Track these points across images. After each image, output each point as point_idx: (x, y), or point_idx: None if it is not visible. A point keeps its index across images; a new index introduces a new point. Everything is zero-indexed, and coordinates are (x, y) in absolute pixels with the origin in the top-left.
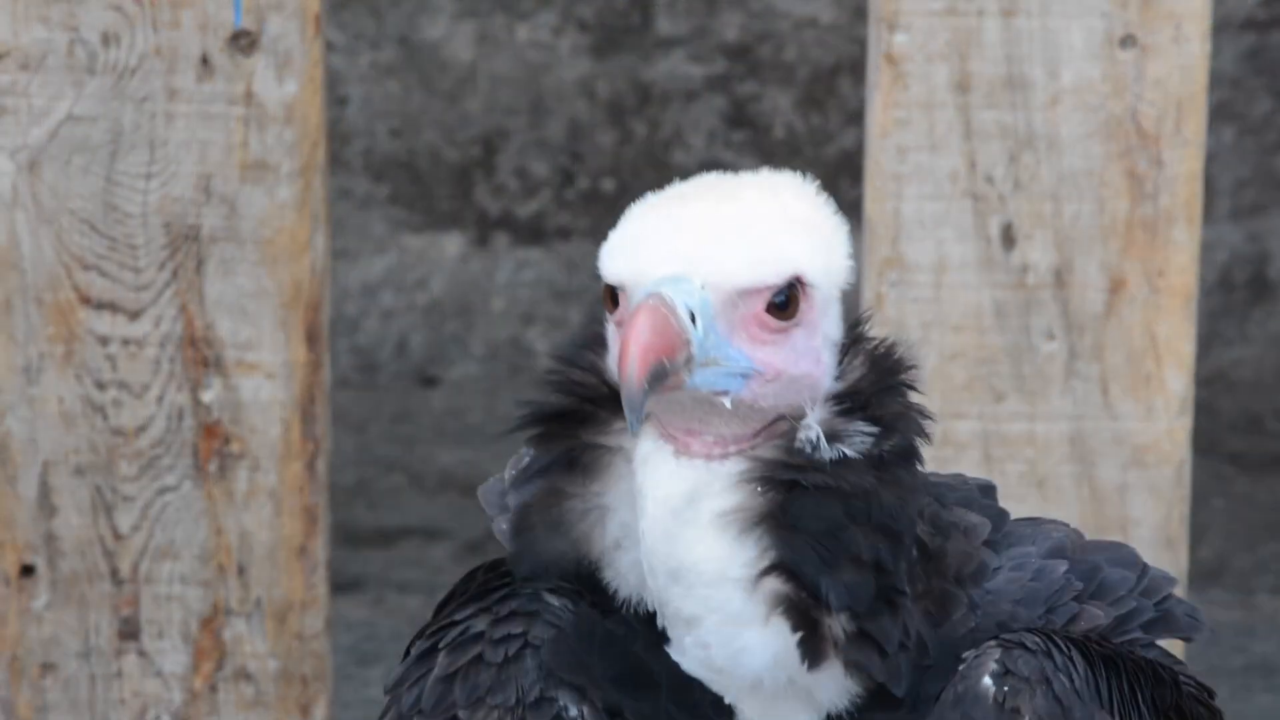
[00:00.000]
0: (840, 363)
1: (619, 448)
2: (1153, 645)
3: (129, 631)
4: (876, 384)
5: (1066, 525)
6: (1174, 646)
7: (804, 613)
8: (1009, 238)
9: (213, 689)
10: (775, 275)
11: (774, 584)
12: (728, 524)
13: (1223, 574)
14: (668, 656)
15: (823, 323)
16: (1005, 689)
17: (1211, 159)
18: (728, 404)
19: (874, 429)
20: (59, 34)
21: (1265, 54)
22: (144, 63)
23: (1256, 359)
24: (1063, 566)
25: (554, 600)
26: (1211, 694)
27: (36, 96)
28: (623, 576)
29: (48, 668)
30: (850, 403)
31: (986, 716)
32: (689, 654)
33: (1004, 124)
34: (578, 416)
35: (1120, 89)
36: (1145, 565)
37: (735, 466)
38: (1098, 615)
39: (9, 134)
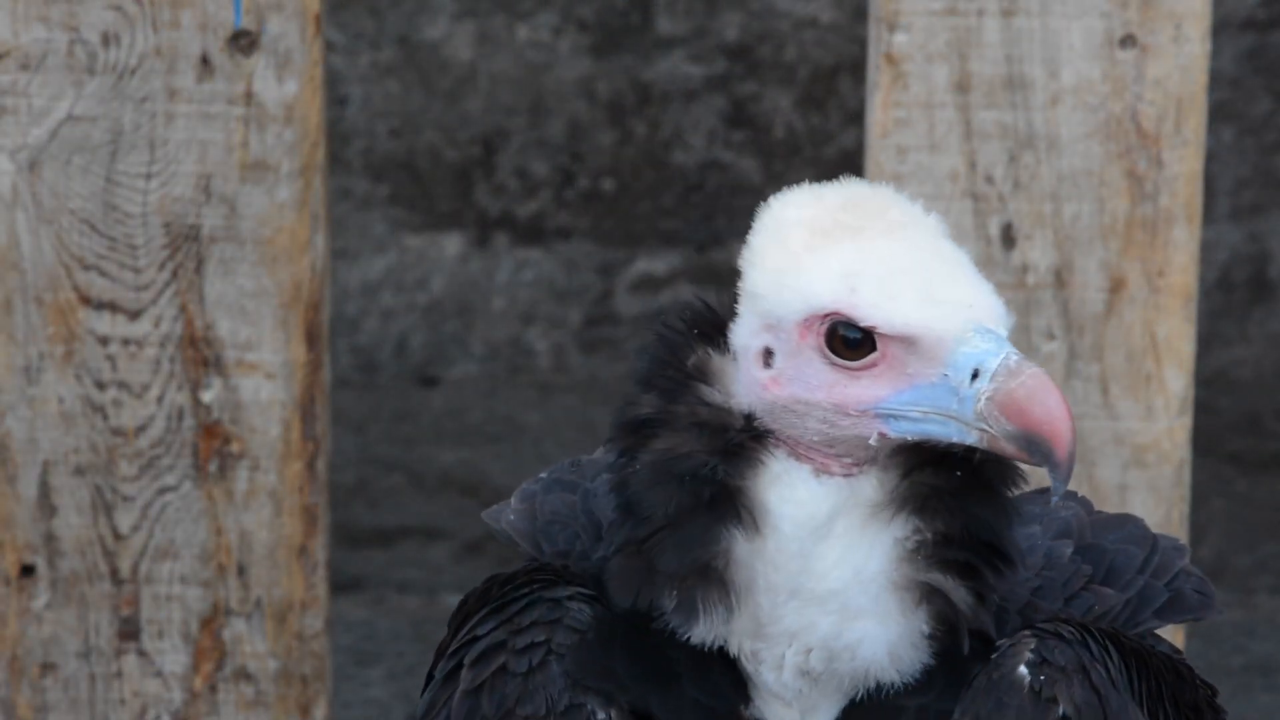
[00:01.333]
0: None
1: (749, 484)
2: (1163, 639)
3: (129, 631)
4: None
5: (1075, 497)
6: (1180, 633)
7: (942, 603)
8: (1009, 238)
9: (213, 689)
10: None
11: (940, 557)
12: (877, 517)
13: (1223, 574)
14: (682, 641)
15: None
16: (1041, 678)
17: (1211, 159)
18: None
19: None
20: (59, 34)
21: (1265, 54)
22: (144, 63)
23: (1256, 359)
24: (1069, 549)
25: (573, 605)
26: (1215, 692)
27: (36, 96)
28: (716, 617)
29: (48, 668)
30: None
31: (1021, 704)
32: (787, 666)
33: (1004, 124)
34: (723, 461)
35: (1120, 89)
36: (1155, 538)
37: (871, 475)
38: (1109, 595)
39: (9, 134)
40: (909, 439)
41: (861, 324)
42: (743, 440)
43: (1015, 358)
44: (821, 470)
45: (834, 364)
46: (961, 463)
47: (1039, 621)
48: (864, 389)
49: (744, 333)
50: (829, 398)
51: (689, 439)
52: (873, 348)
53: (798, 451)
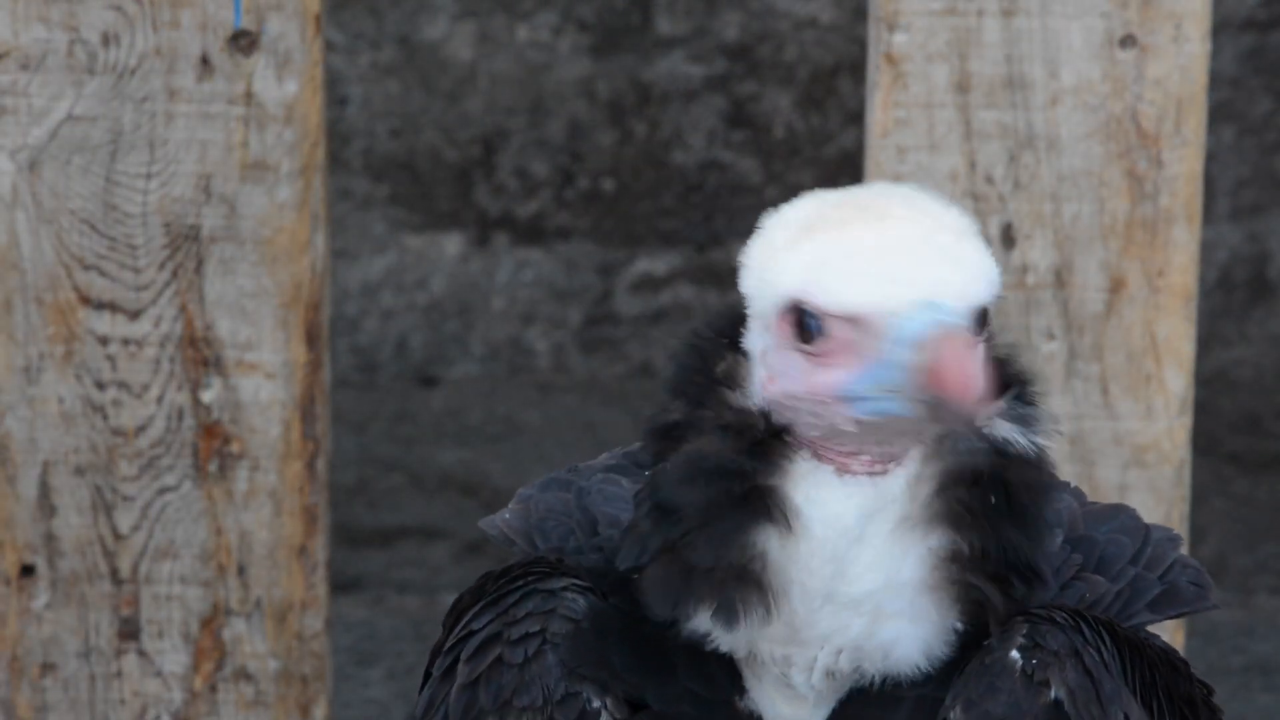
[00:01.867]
0: None
1: (777, 485)
2: (1159, 636)
3: (129, 631)
4: (1012, 372)
5: (1068, 489)
6: (1179, 633)
7: (977, 598)
8: (1009, 238)
9: (213, 689)
10: (990, 290)
11: (972, 574)
12: (910, 528)
13: (1223, 574)
14: (679, 633)
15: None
16: (1033, 662)
17: (1211, 159)
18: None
19: (1042, 413)
20: (59, 34)
21: (1265, 54)
22: (144, 63)
23: (1256, 359)
24: (1059, 537)
25: (568, 595)
26: (1211, 691)
27: (36, 96)
28: (754, 622)
29: (48, 668)
30: (1020, 396)
31: (1012, 687)
32: (817, 668)
33: (1004, 124)
34: (751, 461)
35: (1120, 89)
36: (1148, 529)
37: (902, 478)
38: (1100, 581)
39: (9, 134)
40: (874, 420)
41: (815, 308)
42: (766, 440)
43: (935, 326)
44: (843, 470)
45: (803, 352)
46: (995, 482)
47: (1032, 608)
48: (830, 374)
49: (753, 335)
50: (805, 387)
51: (715, 440)
52: (830, 332)
53: (819, 452)
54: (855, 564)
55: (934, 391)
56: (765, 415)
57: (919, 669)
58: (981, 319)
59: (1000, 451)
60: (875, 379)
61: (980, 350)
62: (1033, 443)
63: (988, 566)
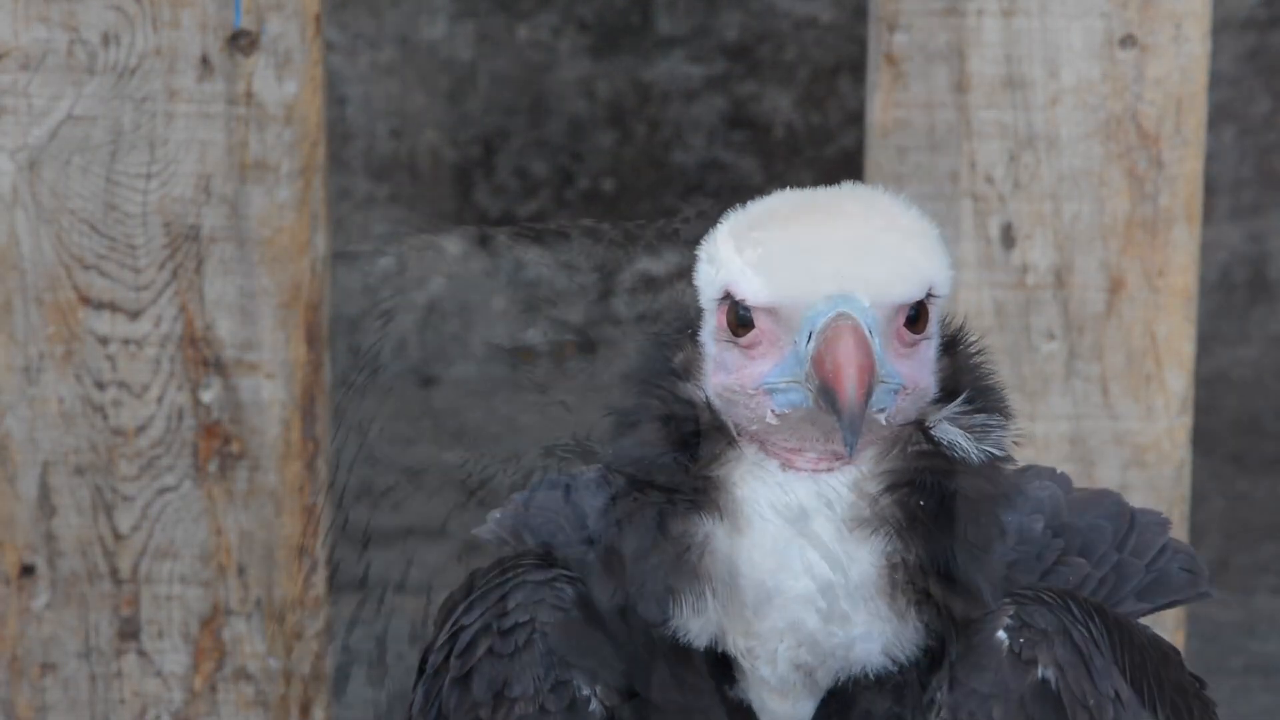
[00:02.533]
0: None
1: (719, 477)
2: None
3: (129, 631)
4: (973, 376)
5: (1054, 476)
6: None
7: (937, 602)
8: (1009, 238)
9: (213, 689)
10: (920, 289)
11: (917, 581)
12: (852, 530)
13: (1223, 574)
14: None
15: (935, 332)
16: (1021, 641)
17: (1211, 159)
18: (883, 420)
19: (1001, 421)
20: (59, 34)
21: (1265, 54)
22: (144, 63)
23: (1256, 359)
24: (1039, 524)
25: (556, 585)
26: (1203, 685)
27: (36, 96)
28: (707, 613)
29: (48, 668)
30: (975, 402)
31: (999, 665)
32: (781, 660)
33: (1004, 124)
34: (686, 452)
35: (1120, 89)
36: (1133, 513)
37: (846, 477)
38: (1082, 564)
39: (9, 134)
40: (787, 412)
41: (742, 300)
42: (708, 432)
43: (832, 315)
44: (788, 465)
45: (736, 344)
46: (931, 488)
47: (1018, 590)
48: (755, 366)
49: (705, 328)
50: (738, 379)
51: (655, 430)
52: (757, 324)
53: (765, 446)
54: (800, 559)
55: (821, 380)
56: (710, 407)
57: (887, 667)
58: (917, 317)
59: (943, 457)
60: (786, 370)
61: (924, 348)
62: (983, 451)
63: (931, 572)
